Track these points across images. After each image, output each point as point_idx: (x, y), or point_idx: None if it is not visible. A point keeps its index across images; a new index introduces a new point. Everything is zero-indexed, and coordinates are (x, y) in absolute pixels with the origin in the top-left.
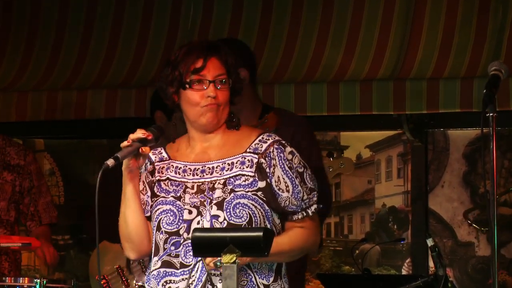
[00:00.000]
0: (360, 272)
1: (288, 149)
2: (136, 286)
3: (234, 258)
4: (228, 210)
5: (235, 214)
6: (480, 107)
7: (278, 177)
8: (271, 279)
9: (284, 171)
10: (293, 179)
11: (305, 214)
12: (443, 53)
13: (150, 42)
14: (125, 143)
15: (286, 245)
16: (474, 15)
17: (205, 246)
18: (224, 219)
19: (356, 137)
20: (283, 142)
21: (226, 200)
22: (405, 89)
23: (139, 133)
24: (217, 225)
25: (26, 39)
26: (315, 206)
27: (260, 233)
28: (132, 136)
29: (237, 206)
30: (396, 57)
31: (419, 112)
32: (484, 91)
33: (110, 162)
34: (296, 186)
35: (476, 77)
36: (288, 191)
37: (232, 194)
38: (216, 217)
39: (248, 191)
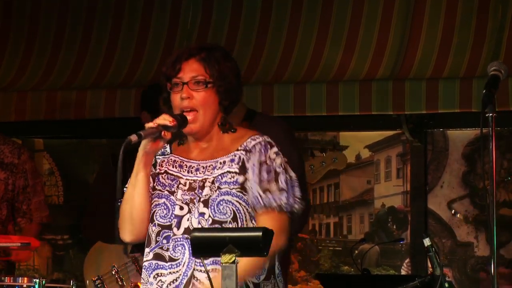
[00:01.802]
0: (359, 272)
1: (275, 149)
2: (131, 286)
3: (234, 258)
4: (212, 207)
5: (219, 211)
6: (479, 107)
7: (253, 169)
8: (262, 277)
9: (260, 164)
10: (263, 172)
11: (269, 209)
12: (442, 53)
13: (150, 42)
14: (150, 124)
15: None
16: (473, 15)
17: (204, 246)
18: (209, 216)
19: (356, 137)
20: (272, 143)
21: (211, 197)
22: (404, 89)
23: (166, 120)
24: (203, 222)
25: (26, 39)
26: (283, 205)
27: (259, 233)
28: (158, 121)
29: (221, 203)
30: (396, 57)
31: (418, 112)
32: (484, 91)
33: (133, 137)
34: (264, 182)
35: (475, 77)
36: (256, 182)
37: (217, 192)
38: (202, 214)
39: (232, 188)
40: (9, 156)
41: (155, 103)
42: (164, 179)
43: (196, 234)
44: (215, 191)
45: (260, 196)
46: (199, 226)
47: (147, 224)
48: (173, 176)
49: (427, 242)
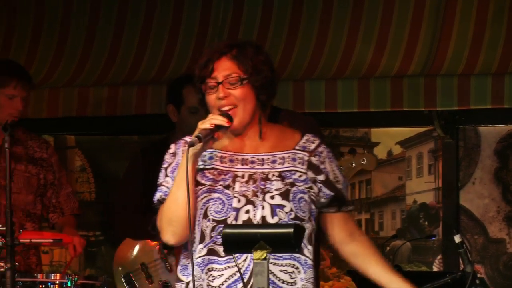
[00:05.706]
0: None
1: (331, 152)
2: (160, 283)
3: (265, 255)
4: (295, 202)
5: (300, 208)
6: (511, 103)
7: (333, 171)
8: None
9: (337, 167)
10: (342, 175)
11: (351, 208)
12: (474, 48)
13: (181, 38)
14: (206, 125)
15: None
16: (505, 9)
17: (236, 243)
18: (291, 210)
19: (387, 134)
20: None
21: (291, 191)
22: (436, 86)
23: (222, 121)
24: (282, 215)
25: (59, 35)
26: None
27: (291, 230)
28: (214, 121)
29: (301, 200)
30: (427, 53)
31: (450, 109)
32: None
33: (196, 141)
34: (345, 181)
35: (507, 73)
36: (342, 184)
37: (295, 187)
38: (281, 206)
39: (305, 188)
40: (37, 151)
41: (180, 96)
42: (214, 175)
43: (228, 230)
44: (290, 186)
45: (346, 197)
46: (276, 217)
47: (193, 225)
48: (225, 171)
49: (457, 238)
